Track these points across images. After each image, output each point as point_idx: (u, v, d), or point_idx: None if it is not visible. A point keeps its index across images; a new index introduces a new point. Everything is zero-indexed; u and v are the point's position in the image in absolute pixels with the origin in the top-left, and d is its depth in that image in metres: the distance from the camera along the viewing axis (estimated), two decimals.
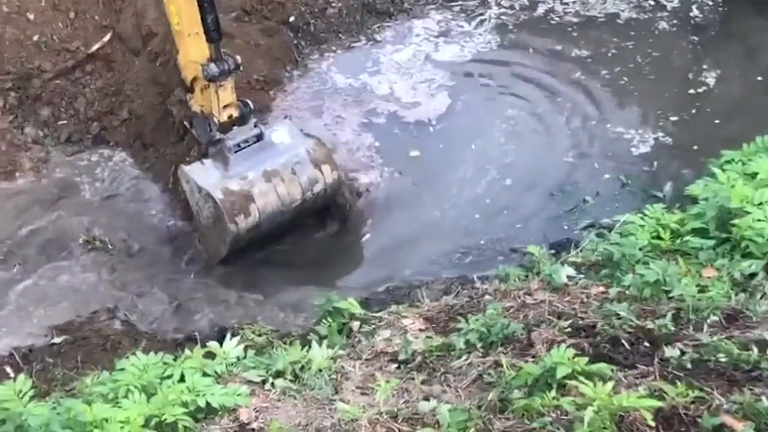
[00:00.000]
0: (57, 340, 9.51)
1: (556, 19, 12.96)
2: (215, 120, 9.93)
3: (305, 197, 10.31)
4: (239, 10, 12.24)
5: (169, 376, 6.12)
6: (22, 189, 11.25)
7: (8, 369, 9.12)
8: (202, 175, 10.09)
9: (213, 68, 9.55)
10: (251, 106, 10.10)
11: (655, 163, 10.89)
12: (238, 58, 9.73)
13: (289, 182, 10.21)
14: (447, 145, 11.41)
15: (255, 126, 10.21)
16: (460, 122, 11.66)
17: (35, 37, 11.89)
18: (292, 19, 12.57)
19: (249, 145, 10.15)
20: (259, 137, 10.21)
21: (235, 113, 9.99)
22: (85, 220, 10.96)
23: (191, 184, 10.16)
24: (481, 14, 12.99)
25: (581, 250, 8.07)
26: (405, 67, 12.29)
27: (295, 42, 12.52)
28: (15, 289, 10.29)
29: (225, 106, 9.89)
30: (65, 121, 11.66)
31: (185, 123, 10.70)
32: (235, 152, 10.07)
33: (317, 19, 12.71)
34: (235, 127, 10.06)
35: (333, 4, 12.85)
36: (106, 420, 5.37)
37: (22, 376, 6.08)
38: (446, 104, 11.82)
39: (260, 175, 10.15)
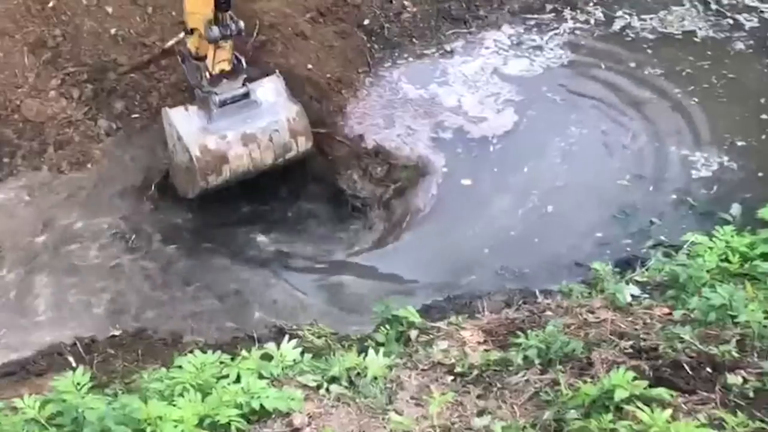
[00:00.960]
0: (116, 332, 9.61)
1: (632, 35, 12.70)
2: (206, 74, 10.41)
3: (276, 163, 10.92)
4: (314, 11, 12.22)
5: (226, 377, 6.14)
6: (94, 179, 11.39)
7: (70, 358, 9.26)
8: (184, 123, 10.60)
9: (215, 32, 9.99)
10: (243, 62, 10.58)
11: (715, 187, 10.72)
12: (241, 23, 10.13)
13: (265, 149, 10.77)
14: (510, 161, 11.34)
15: (244, 84, 10.67)
16: (524, 139, 11.53)
17: (113, 31, 12.00)
18: (366, 22, 12.52)
19: (234, 102, 10.63)
20: (246, 95, 10.69)
21: (228, 68, 10.46)
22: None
23: (173, 129, 10.66)
24: (555, 28, 12.79)
25: (647, 269, 7.95)
26: (472, 79, 12.13)
27: (368, 45, 12.47)
28: (84, 276, 10.46)
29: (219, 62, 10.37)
30: (138, 115, 11.75)
31: (179, 57, 11.03)
32: (221, 107, 10.56)
33: (391, 23, 12.64)
34: (225, 80, 10.53)
35: (408, 9, 12.78)
36: (160, 418, 5.40)
37: (81, 369, 6.16)
38: (513, 120, 11.65)
39: (239, 137, 10.66)
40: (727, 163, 10.97)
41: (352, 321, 9.62)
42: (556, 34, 12.73)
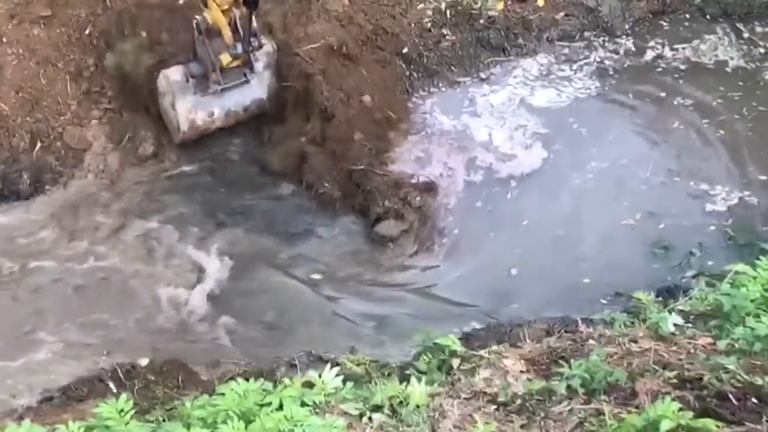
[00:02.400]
0: (143, 362, 9.65)
1: (663, 65, 12.74)
2: (217, 65, 11.33)
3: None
4: (356, 40, 12.26)
5: (268, 404, 6.12)
6: None
7: (111, 384, 9.30)
8: (180, 95, 11.57)
9: (239, 49, 11.18)
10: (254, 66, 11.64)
11: (731, 220, 10.79)
12: (263, 40, 11.37)
13: (242, 116, 12.11)
14: (539, 197, 11.47)
15: (245, 76, 11.65)
16: (550, 176, 11.64)
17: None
18: (405, 50, 12.57)
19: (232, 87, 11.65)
20: (244, 83, 11.73)
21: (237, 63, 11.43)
22: None
23: (168, 92, 11.60)
24: (586, 57, 12.81)
25: (690, 299, 7.88)
26: (499, 110, 12.22)
27: (408, 74, 12.52)
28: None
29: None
30: None
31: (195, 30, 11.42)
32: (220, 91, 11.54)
33: (430, 52, 12.68)
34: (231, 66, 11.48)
35: (447, 37, 12.82)
36: None
37: (124, 396, 6.17)
38: (540, 157, 11.75)
39: (223, 114, 11.91)
40: (747, 198, 11.05)
41: (390, 346, 9.67)
42: (586, 63, 12.75)
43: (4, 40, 11.78)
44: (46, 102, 11.84)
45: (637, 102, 12.37)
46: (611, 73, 12.75)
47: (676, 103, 12.22)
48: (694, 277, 9.68)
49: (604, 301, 10.06)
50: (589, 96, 12.47)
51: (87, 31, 12.13)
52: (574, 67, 12.77)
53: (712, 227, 10.82)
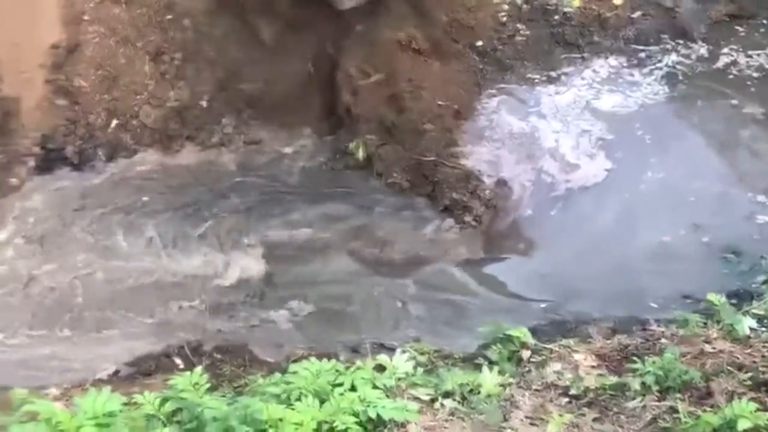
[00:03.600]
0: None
1: (736, 72, 12.56)
2: None
3: None
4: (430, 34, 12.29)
5: (340, 384, 6.19)
6: None
7: (178, 360, 9.42)
8: None
9: None
10: None
11: None
12: None
13: None
14: (608, 201, 11.37)
15: None
16: (617, 182, 11.52)
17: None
18: (479, 43, 12.57)
19: None
20: None
21: None
22: None
23: None
24: (658, 61, 12.72)
25: (765, 302, 7.82)
26: (564, 113, 12.13)
27: (480, 67, 12.51)
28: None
29: None
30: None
31: None
32: None
33: (505, 46, 12.67)
34: None
35: (522, 32, 12.80)
36: (281, 420, 5.47)
37: (199, 369, 6.26)
38: (605, 168, 11.61)
39: None
40: None
41: (455, 336, 9.68)
42: (656, 68, 12.63)
43: (86, 18, 11.95)
44: (124, 81, 12.01)
45: (707, 110, 12.18)
46: (682, 78, 12.56)
47: (746, 111, 12.03)
48: (765, 282, 9.53)
49: (673, 306, 9.94)
50: (657, 102, 12.28)
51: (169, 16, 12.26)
52: (644, 70, 12.61)
53: None
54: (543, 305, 10.36)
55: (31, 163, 11.59)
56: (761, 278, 9.86)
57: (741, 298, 8.87)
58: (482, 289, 10.71)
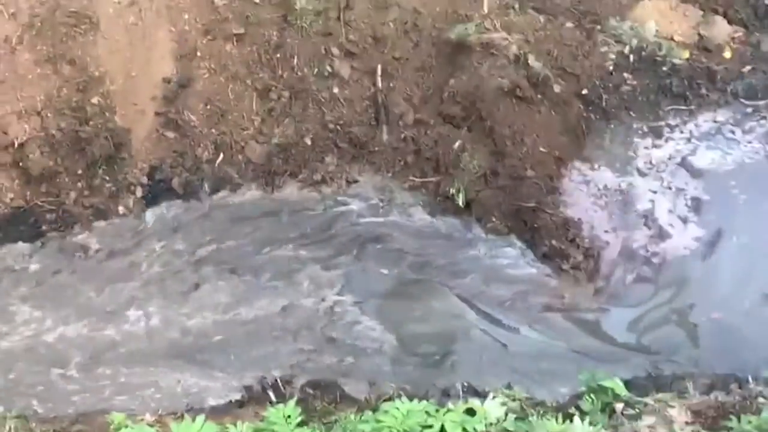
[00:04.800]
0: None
1: None
2: None
3: None
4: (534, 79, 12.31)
5: (430, 426, 6.19)
6: None
7: (271, 394, 9.54)
8: None
9: None
10: None
11: None
12: None
13: None
14: (703, 261, 11.29)
15: None
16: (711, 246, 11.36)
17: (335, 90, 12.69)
18: (584, 91, 12.54)
19: None
20: None
21: None
22: None
23: None
24: (762, 118, 12.48)
25: None
26: (658, 169, 12.01)
27: (585, 115, 12.47)
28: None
29: None
30: None
31: None
32: None
33: (610, 95, 12.60)
34: None
35: (628, 81, 12.71)
36: None
37: (292, 402, 6.35)
38: (697, 236, 11.47)
39: None
40: None
41: (549, 383, 9.64)
42: (760, 125, 12.40)
43: (198, 54, 12.28)
44: (232, 116, 12.28)
45: None
46: None
47: None
48: None
49: None
50: (756, 161, 12.07)
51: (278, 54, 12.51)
52: (746, 127, 12.37)
53: None
54: (643, 357, 10.27)
55: (139, 192, 11.88)
56: None
57: None
58: (582, 337, 10.74)
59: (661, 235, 11.47)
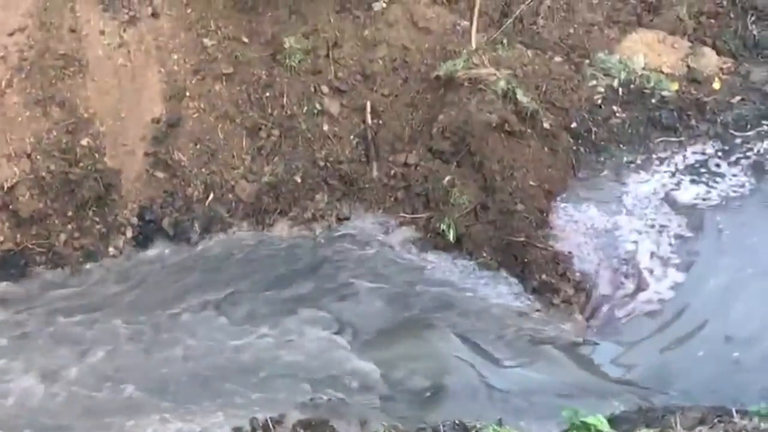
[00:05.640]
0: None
1: None
2: None
3: None
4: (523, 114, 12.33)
5: None
6: None
7: None
8: None
9: None
10: None
11: None
12: None
13: None
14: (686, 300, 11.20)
15: None
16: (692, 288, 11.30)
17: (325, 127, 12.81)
18: (573, 125, 12.57)
19: None
20: None
21: None
22: None
23: None
24: (748, 150, 12.49)
25: None
26: (642, 205, 12.00)
27: (575, 148, 12.49)
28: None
29: None
30: None
31: None
32: None
33: (599, 128, 12.64)
34: None
35: (617, 114, 12.76)
36: None
37: None
38: (676, 282, 11.37)
39: None
40: None
41: (540, 416, 9.58)
42: (745, 157, 12.40)
43: (188, 94, 12.35)
44: (222, 155, 12.33)
45: None
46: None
47: None
48: None
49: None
50: (741, 195, 12.03)
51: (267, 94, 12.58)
52: (732, 159, 12.36)
53: None
54: (634, 392, 10.21)
55: (129, 233, 11.90)
56: None
57: None
58: (574, 371, 10.66)
59: (643, 279, 11.40)
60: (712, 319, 10.82)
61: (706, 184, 12.17)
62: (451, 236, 11.93)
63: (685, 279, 11.32)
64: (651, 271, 11.43)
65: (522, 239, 11.59)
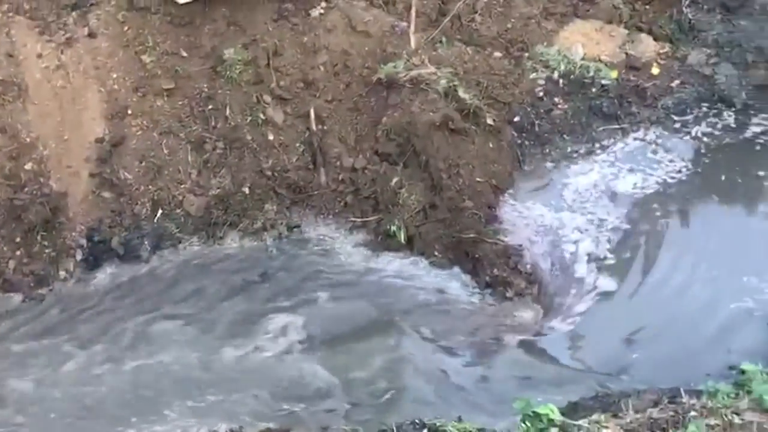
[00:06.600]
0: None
1: (763, 140, 12.41)
2: None
3: None
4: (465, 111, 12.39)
5: None
6: None
7: None
8: None
9: None
10: None
11: None
12: None
13: None
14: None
15: None
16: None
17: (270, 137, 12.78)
18: (516, 119, 12.66)
19: None
20: None
21: None
22: None
23: None
24: (687, 133, 12.64)
25: None
26: (582, 197, 12.05)
27: (519, 141, 12.58)
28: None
29: None
30: None
31: None
32: None
33: (542, 120, 12.73)
34: None
35: (559, 106, 12.85)
36: None
37: None
38: (620, 273, 11.36)
39: None
40: None
41: (500, 411, 9.61)
42: (682, 141, 12.55)
43: (130, 112, 12.31)
44: (168, 171, 12.31)
45: (729, 185, 12.01)
46: (706, 152, 12.44)
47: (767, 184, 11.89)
48: None
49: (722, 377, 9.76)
50: (679, 180, 12.15)
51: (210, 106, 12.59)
52: (668, 145, 12.51)
53: None
54: (592, 378, 10.27)
55: (79, 255, 11.85)
56: None
57: None
58: (531, 362, 10.71)
59: (590, 269, 11.47)
60: (659, 306, 10.90)
61: (644, 172, 12.27)
62: (402, 237, 11.98)
63: (628, 269, 11.37)
64: (597, 261, 11.50)
65: (472, 235, 11.65)
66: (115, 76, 12.38)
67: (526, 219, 11.91)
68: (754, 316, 10.43)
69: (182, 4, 12.41)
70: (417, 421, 9.50)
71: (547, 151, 12.59)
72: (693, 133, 12.61)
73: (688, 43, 13.58)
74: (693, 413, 6.92)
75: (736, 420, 6.56)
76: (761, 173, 12.06)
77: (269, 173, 12.49)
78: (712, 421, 6.57)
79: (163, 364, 10.84)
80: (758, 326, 10.32)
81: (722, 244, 11.28)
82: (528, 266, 11.46)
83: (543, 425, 7.14)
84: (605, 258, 11.44)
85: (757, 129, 12.66)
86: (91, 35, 12.40)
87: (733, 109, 12.86)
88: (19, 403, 10.28)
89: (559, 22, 13.62)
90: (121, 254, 11.96)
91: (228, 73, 12.57)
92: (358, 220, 12.34)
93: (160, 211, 12.19)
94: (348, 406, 10.28)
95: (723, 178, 12.11)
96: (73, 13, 12.55)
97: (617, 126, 12.76)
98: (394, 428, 9.23)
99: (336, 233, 12.35)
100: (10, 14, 12.24)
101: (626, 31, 13.59)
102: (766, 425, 6.40)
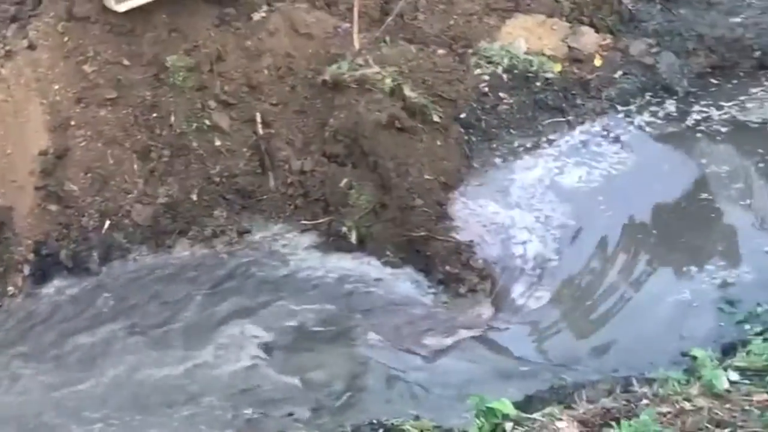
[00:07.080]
0: None
1: (704, 128, 12.57)
2: None
3: None
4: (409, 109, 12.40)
5: None
6: None
7: None
8: None
9: None
10: None
11: None
12: None
13: None
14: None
15: None
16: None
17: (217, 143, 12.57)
18: (463, 115, 12.69)
19: None
20: None
21: None
22: None
23: None
24: (630, 123, 12.76)
25: (748, 354, 7.75)
26: (528, 194, 12.09)
27: (466, 138, 12.61)
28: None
29: None
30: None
31: None
32: None
33: (488, 115, 12.77)
34: None
35: (505, 101, 12.90)
36: None
37: None
38: (570, 266, 11.49)
39: None
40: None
41: (458, 408, 9.64)
42: (625, 132, 12.66)
43: (73, 123, 12.18)
44: (114, 181, 12.20)
45: (671, 174, 12.13)
46: (649, 141, 12.58)
47: (709, 171, 12.02)
48: (760, 333, 9.42)
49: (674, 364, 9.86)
50: (623, 172, 12.22)
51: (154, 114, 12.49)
52: (612, 136, 12.62)
53: None
54: (546, 370, 10.33)
55: (27, 270, 11.70)
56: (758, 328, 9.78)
57: (735, 350, 8.80)
58: (487, 358, 10.76)
59: (539, 262, 11.57)
60: (612, 296, 11.05)
61: (588, 165, 12.35)
62: (353, 238, 11.97)
63: (577, 262, 11.48)
64: (544, 256, 11.58)
65: (423, 234, 11.66)
66: (56, 87, 12.22)
67: (476, 214, 11.91)
68: (694, 307, 10.60)
69: (122, 13, 12.28)
70: (374, 421, 9.55)
71: (495, 146, 12.62)
72: (636, 123, 12.71)
73: (629, 33, 13.75)
74: (645, 401, 6.97)
75: (688, 406, 6.61)
76: (703, 161, 12.19)
77: (217, 179, 12.41)
78: (664, 409, 6.62)
79: (116, 377, 10.74)
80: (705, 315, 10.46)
81: (666, 233, 11.45)
82: (480, 262, 11.46)
83: (497, 420, 7.16)
84: (554, 251, 11.50)
85: (698, 116, 12.80)
86: (31, 47, 12.25)
87: (675, 97, 13.02)
88: None
89: (501, 18, 13.71)
90: (70, 267, 11.80)
91: (171, 80, 12.48)
92: (309, 222, 12.29)
93: (107, 222, 12.06)
94: (306, 410, 10.27)
95: (666, 168, 12.24)
96: (12, 26, 12.43)
97: (563, 119, 12.85)
98: (349, 430, 9.31)
99: (287, 237, 12.26)
100: None
101: (568, 24, 13.71)
102: (716, 410, 6.45)
